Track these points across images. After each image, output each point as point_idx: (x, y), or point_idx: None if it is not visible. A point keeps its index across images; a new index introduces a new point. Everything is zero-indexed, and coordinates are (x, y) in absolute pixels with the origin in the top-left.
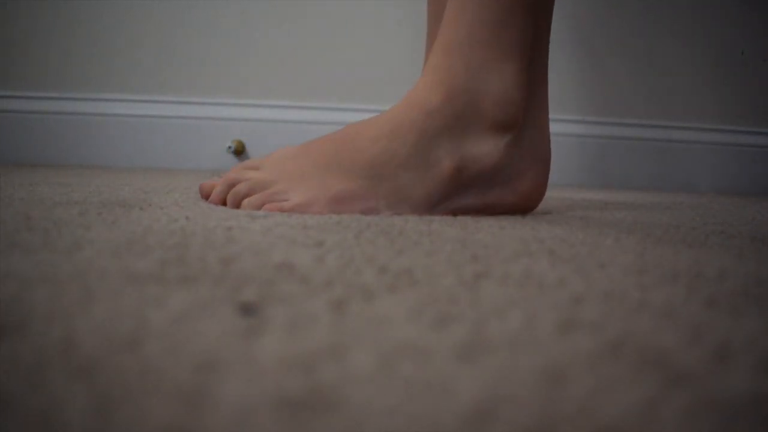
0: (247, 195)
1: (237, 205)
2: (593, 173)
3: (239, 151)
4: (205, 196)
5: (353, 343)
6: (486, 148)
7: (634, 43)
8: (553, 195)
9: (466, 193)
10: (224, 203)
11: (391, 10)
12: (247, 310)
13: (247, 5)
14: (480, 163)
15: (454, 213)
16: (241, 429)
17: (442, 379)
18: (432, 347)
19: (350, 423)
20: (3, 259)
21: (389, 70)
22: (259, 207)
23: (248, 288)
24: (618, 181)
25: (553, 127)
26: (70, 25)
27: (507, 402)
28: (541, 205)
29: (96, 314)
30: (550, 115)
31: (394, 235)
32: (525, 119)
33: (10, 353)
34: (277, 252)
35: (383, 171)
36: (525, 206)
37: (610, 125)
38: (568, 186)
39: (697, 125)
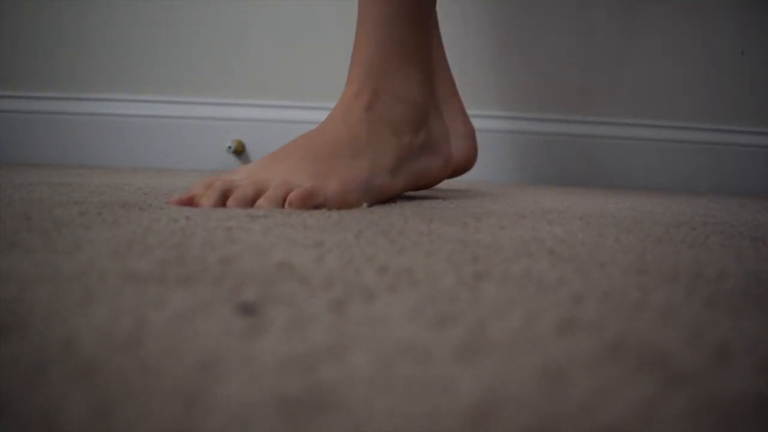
0: (255, 197)
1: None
2: (592, 173)
3: (239, 151)
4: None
5: (353, 343)
6: (413, 131)
7: (633, 43)
8: (553, 195)
9: (413, 161)
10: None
11: None
12: (247, 310)
13: (248, 5)
14: (413, 140)
15: (414, 174)
16: (241, 429)
17: (442, 379)
18: (432, 347)
19: (350, 423)
20: (3, 259)
21: None
22: (281, 200)
23: (248, 288)
24: (618, 180)
25: (555, 128)
26: (71, 25)
27: (507, 402)
28: (542, 205)
29: (96, 314)
30: (553, 116)
31: (394, 235)
32: (438, 108)
33: (10, 353)
34: (277, 252)
35: (356, 152)
36: (458, 167)
37: (610, 125)
38: (568, 186)
39: (697, 125)
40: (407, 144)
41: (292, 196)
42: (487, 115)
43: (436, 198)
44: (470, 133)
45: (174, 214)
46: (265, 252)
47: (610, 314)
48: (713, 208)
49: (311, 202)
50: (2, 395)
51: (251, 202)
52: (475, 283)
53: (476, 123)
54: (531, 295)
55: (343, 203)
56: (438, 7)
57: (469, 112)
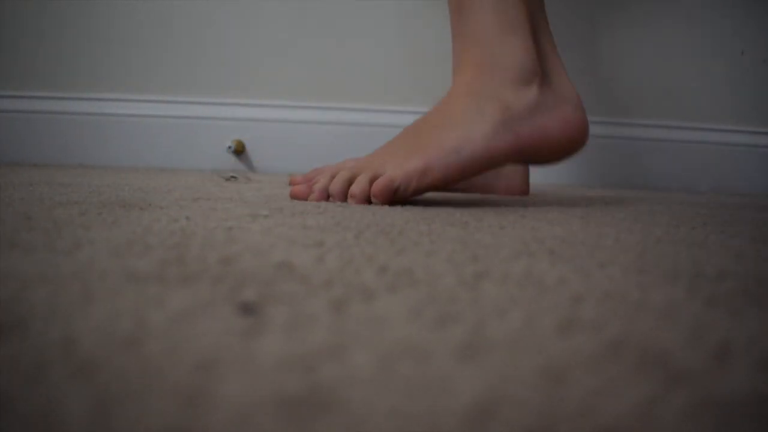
0: (350, 182)
1: (344, 192)
2: (593, 172)
3: (239, 151)
4: (302, 194)
5: (353, 343)
6: (519, 95)
7: (634, 43)
8: (553, 194)
9: (521, 122)
10: (326, 198)
11: (391, 11)
12: (247, 309)
13: (248, 5)
14: (519, 102)
15: (522, 136)
16: (241, 429)
17: (442, 379)
18: (432, 347)
19: (350, 423)
20: (3, 259)
21: (389, 69)
22: (367, 188)
23: (248, 288)
24: (618, 180)
25: None
26: (71, 25)
27: (507, 402)
28: (542, 204)
29: (96, 314)
30: None
31: (394, 235)
32: (544, 73)
33: (10, 353)
34: (277, 252)
35: (447, 125)
36: (571, 135)
37: (610, 125)
38: (569, 185)
39: (698, 125)
40: (510, 107)
41: (374, 190)
42: None
43: (437, 200)
44: (572, 97)
45: (174, 214)
46: (265, 252)
47: (610, 314)
48: (713, 208)
49: (391, 191)
50: (2, 395)
51: (347, 186)
52: (475, 283)
53: None
54: (531, 295)
55: (423, 180)
56: None
57: None
